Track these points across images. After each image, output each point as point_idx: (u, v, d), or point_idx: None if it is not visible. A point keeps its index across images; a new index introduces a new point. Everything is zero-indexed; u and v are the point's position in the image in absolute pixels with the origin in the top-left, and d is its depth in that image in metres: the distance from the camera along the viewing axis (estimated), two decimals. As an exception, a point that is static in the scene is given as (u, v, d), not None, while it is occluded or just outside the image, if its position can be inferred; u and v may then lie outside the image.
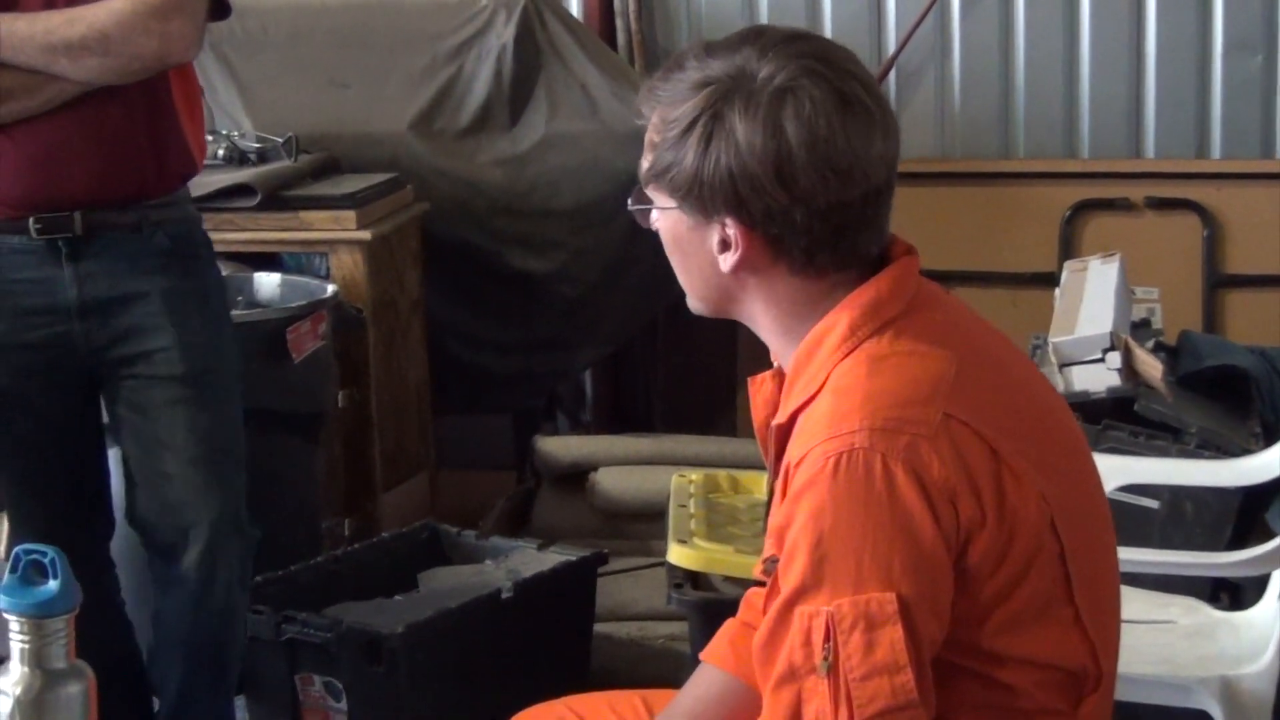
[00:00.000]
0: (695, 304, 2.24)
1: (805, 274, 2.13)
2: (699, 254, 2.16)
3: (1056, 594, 2.09)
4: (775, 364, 2.28)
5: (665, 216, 2.18)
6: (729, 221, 2.11)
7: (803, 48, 2.11)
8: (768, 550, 2.13)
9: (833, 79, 2.08)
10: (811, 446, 2.04)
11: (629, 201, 2.24)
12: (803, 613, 2.01)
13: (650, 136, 2.16)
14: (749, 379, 2.32)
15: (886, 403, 2.03)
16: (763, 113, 2.06)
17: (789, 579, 2.03)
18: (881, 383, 2.06)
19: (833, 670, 1.99)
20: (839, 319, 2.12)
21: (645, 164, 2.17)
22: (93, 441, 3.41)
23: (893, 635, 1.98)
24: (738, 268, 2.13)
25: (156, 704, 3.58)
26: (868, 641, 1.98)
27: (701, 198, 2.11)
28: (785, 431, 2.16)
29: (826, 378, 2.10)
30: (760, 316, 2.18)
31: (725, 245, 2.13)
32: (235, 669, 3.53)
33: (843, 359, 2.10)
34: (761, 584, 2.21)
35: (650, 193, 2.19)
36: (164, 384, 3.30)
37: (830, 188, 2.07)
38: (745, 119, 2.07)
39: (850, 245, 2.12)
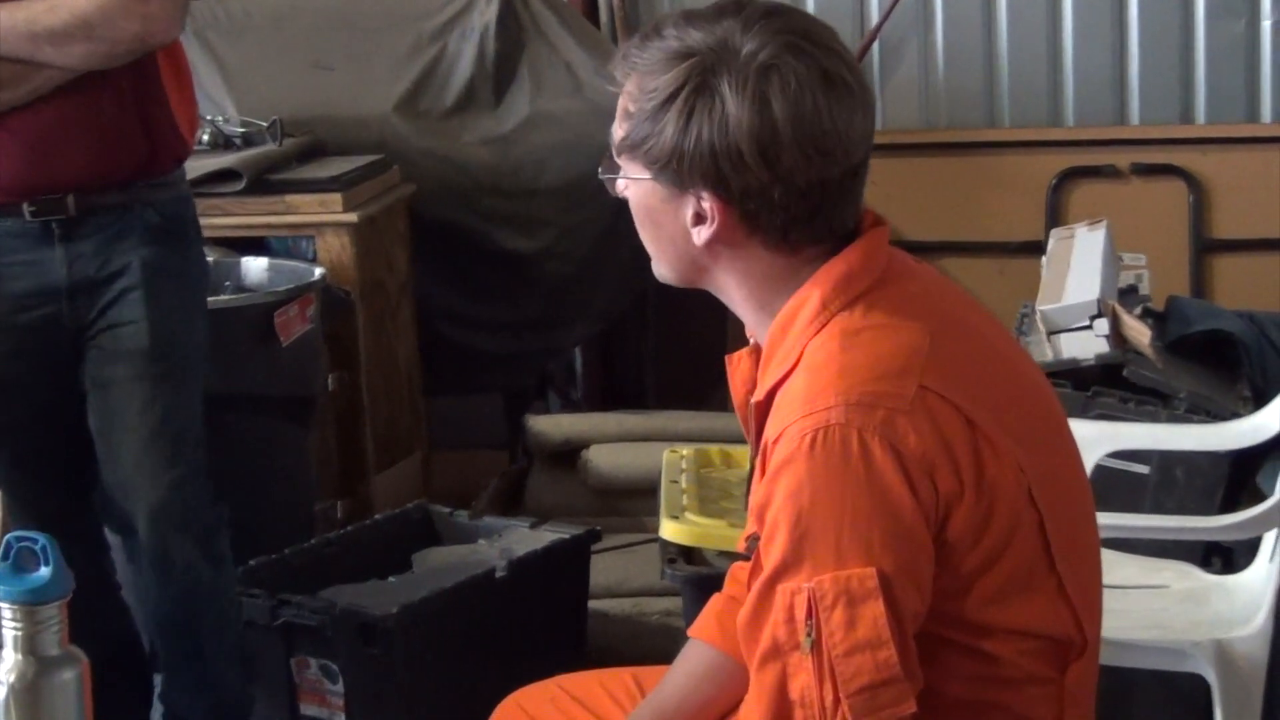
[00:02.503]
0: (663, 272, 2.23)
1: (779, 249, 2.13)
2: (671, 226, 2.15)
3: (1038, 563, 2.10)
4: (751, 340, 2.28)
5: (637, 186, 2.16)
6: (705, 195, 2.10)
7: (785, 23, 2.10)
8: (749, 528, 2.14)
9: (817, 56, 2.08)
10: (788, 424, 2.04)
11: (599, 170, 2.22)
12: (784, 590, 2.01)
13: (625, 104, 2.14)
14: (726, 357, 2.32)
15: (861, 378, 2.03)
16: (750, 88, 2.05)
17: (770, 557, 2.03)
18: (855, 357, 2.05)
19: (816, 647, 1.99)
20: (810, 294, 2.11)
21: (619, 132, 2.15)
22: (84, 420, 3.40)
23: (874, 611, 1.98)
24: (712, 241, 2.12)
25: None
26: (849, 618, 1.98)
27: (679, 170, 2.09)
28: (764, 409, 2.16)
29: (801, 353, 2.10)
30: (733, 290, 2.18)
31: (700, 219, 2.12)
32: (220, 642, 3.50)
33: (815, 334, 2.10)
34: (746, 558, 2.21)
35: (623, 161, 2.17)
36: (128, 359, 3.30)
37: (812, 166, 2.07)
38: (731, 93, 2.05)
39: (825, 222, 2.12)
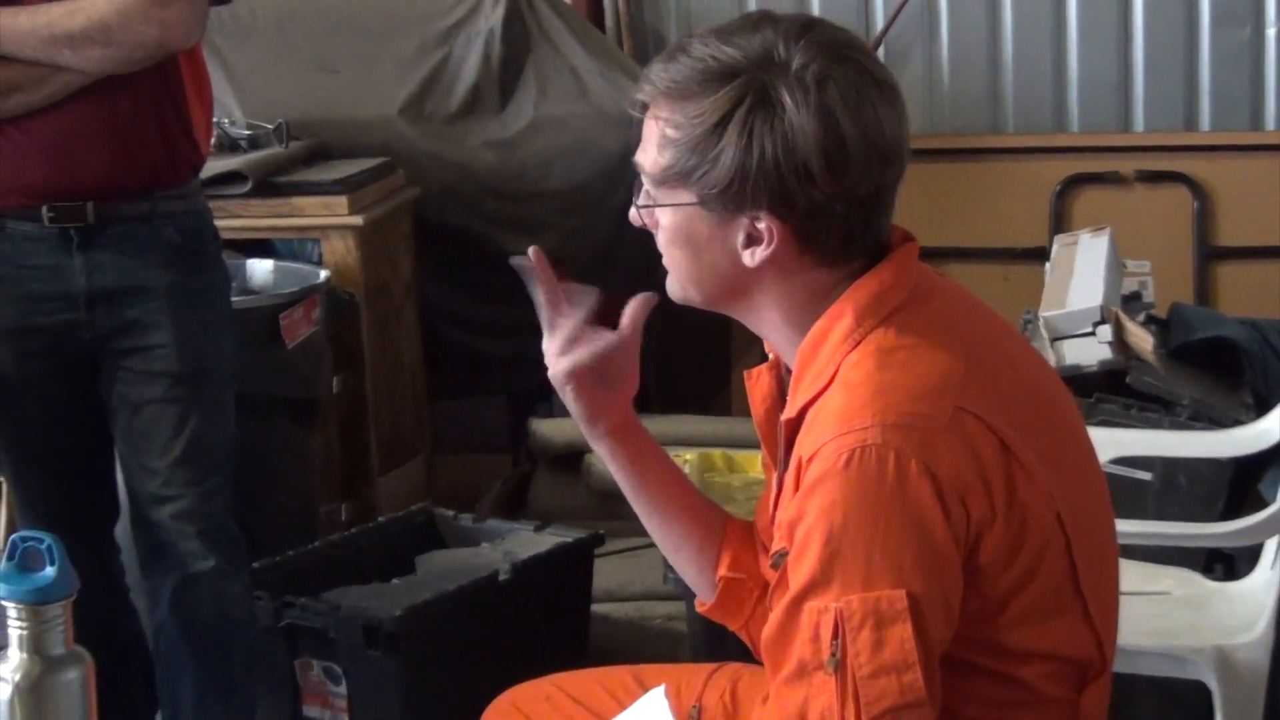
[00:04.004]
0: (690, 295, 2.18)
1: (829, 264, 2.10)
2: (715, 250, 2.11)
3: (1064, 586, 2.09)
4: (770, 355, 2.26)
5: (676, 213, 2.12)
6: (763, 215, 2.06)
7: (823, 34, 2.08)
8: (777, 544, 2.13)
9: (864, 63, 2.07)
10: (824, 442, 2.02)
11: (635, 201, 2.17)
12: (811, 608, 2.00)
13: (663, 131, 2.08)
14: (745, 373, 2.30)
15: (899, 398, 2.02)
16: (812, 101, 2.02)
17: (799, 574, 2.02)
18: (892, 376, 2.04)
19: (840, 667, 1.97)
20: (843, 311, 2.09)
21: (661, 161, 2.10)
22: (96, 424, 3.41)
23: (902, 633, 1.96)
24: (764, 262, 2.09)
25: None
26: (877, 639, 1.97)
27: (740, 192, 2.05)
28: (794, 426, 2.14)
29: (835, 371, 2.08)
30: (769, 311, 2.14)
31: (752, 240, 2.08)
32: (245, 649, 3.51)
33: (850, 351, 2.08)
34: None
35: (662, 191, 2.12)
36: (158, 380, 3.31)
37: (873, 174, 2.05)
38: (795, 107, 2.02)
39: (876, 230, 2.11)
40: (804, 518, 2.02)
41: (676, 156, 2.08)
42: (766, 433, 2.29)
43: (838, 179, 2.03)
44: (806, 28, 2.09)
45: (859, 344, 2.08)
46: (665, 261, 2.19)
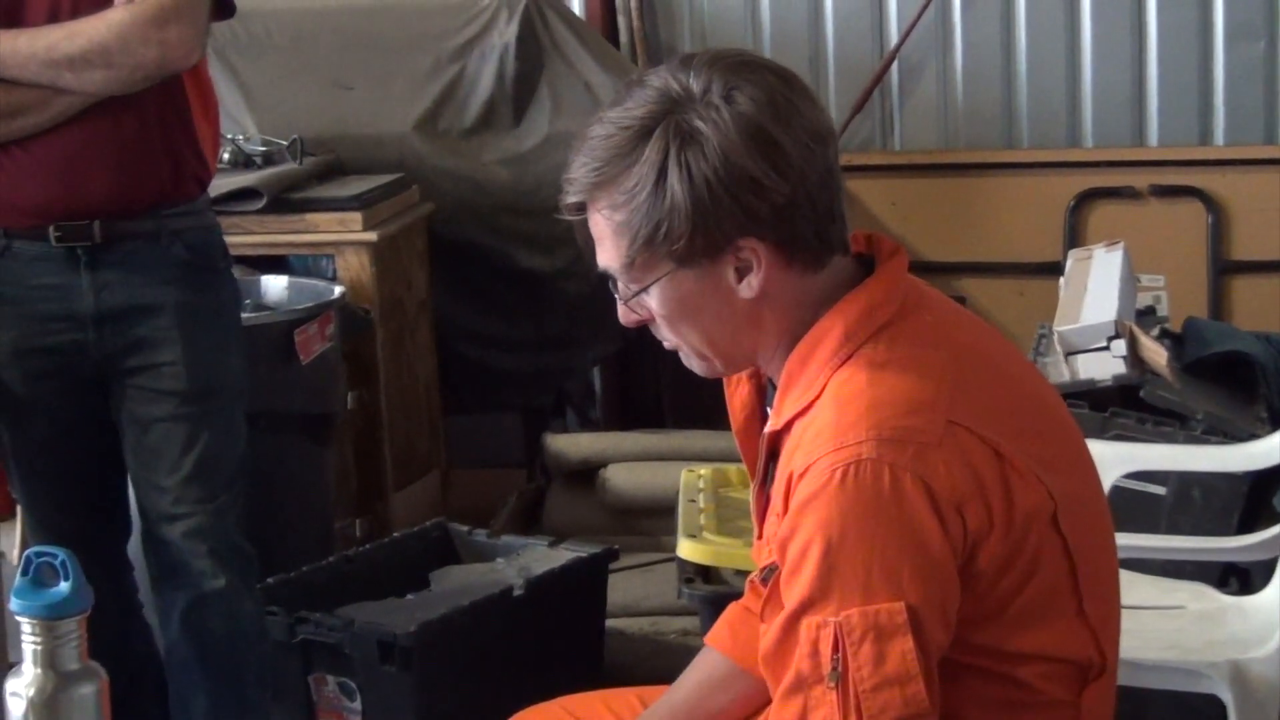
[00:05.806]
0: (712, 362, 2.18)
1: (818, 264, 2.10)
2: (713, 301, 2.11)
3: (1061, 587, 2.10)
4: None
5: (662, 288, 2.12)
6: (742, 242, 2.07)
7: (709, 58, 2.10)
8: (766, 559, 2.13)
9: (759, 66, 2.09)
10: (816, 458, 2.03)
11: (619, 297, 2.16)
12: (810, 623, 2.01)
13: (613, 219, 2.09)
14: (724, 378, 2.30)
15: (892, 412, 2.03)
16: (724, 113, 2.04)
17: (795, 590, 2.03)
18: (884, 391, 2.05)
19: (842, 680, 1.99)
20: (832, 326, 2.10)
21: (624, 245, 2.09)
22: (108, 443, 3.42)
23: (903, 646, 1.98)
24: (761, 286, 2.09)
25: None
26: (878, 653, 1.98)
27: (708, 231, 2.05)
28: (776, 438, 2.15)
29: (824, 385, 2.08)
30: (773, 339, 2.14)
31: (743, 271, 2.08)
32: (256, 666, 3.51)
33: (840, 365, 2.08)
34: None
35: (637, 274, 2.12)
36: (167, 398, 3.31)
37: (815, 156, 2.06)
38: (711, 127, 2.04)
39: (841, 213, 2.11)
40: (797, 533, 2.03)
41: (635, 231, 2.08)
42: (745, 441, 2.30)
43: (785, 174, 2.04)
44: (687, 60, 2.10)
45: (849, 359, 2.09)
46: (677, 345, 2.19)
